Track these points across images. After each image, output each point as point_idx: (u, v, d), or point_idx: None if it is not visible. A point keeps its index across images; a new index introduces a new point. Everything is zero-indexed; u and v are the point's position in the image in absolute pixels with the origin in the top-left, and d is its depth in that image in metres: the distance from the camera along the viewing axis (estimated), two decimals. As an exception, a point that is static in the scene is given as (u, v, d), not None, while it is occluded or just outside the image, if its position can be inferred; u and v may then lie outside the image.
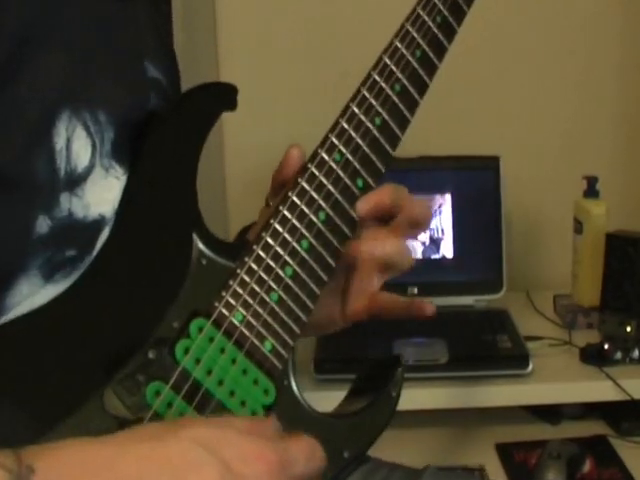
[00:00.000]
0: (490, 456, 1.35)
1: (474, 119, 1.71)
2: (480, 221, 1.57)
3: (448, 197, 1.55)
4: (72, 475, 0.50)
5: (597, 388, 1.33)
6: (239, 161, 1.71)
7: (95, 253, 0.64)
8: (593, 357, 1.36)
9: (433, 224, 1.55)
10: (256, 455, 0.54)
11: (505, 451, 1.36)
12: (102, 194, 0.64)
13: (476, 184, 1.57)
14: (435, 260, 1.55)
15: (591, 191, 1.54)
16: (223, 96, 0.72)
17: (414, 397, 1.30)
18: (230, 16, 1.68)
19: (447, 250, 1.55)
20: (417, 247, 1.53)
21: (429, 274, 1.55)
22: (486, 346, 1.39)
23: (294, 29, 1.68)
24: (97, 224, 0.64)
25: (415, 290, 1.53)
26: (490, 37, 1.62)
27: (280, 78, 1.69)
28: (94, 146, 0.63)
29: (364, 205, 0.73)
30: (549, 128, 1.72)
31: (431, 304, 0.77)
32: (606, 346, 1.36)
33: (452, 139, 1.68)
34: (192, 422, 0.55)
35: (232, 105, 0.72)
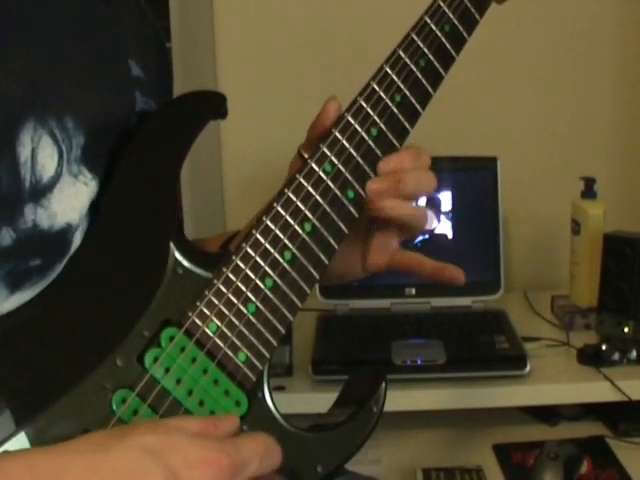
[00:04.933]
0: (488, 457, 1.35)
1: (472, 120, 1.71)
2: (478, 222, 1.57)
3: (446, 198, 1.55)
4: None
5: (595, 389, 1.33)
6: (237, 164, 1.71)
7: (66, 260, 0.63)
8: (591, 358, 1.36)
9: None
10: (204, 459, 0.53)
11: (503, 452, 1.36)
12: (69, 202, 0.63)
13: (474, 185, 1.57)
14: (433, 261, 1.55)
15: (589, 192, 1.54)
16: (211, 105, 0.70)
17: (411, 398, 1.31)
18: (228, 20, 1.68)
19: (445, 251, 1.55)
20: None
21: (427, 275, 1.55)
22: (484, 347, 1.39)
23: (292, 33, 1.68)
24: (64, 233, 0.63)
25: (413, 291, 1.54)
26: (488, 39, 1.61)
27: (278, 82, 1.69)
28: (61, 154, 0.62)
29: (385, 165, 0.72)
30: (547, 129, 1.73)
31: (462, 272, 0.78)
32: (604, 347, 1.36)
33: (450, 140, 1.68)
34: (139, 429, 0.54)
35: (220, 114, 0.70)
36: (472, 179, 1.58)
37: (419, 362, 1.33)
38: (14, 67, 0.60)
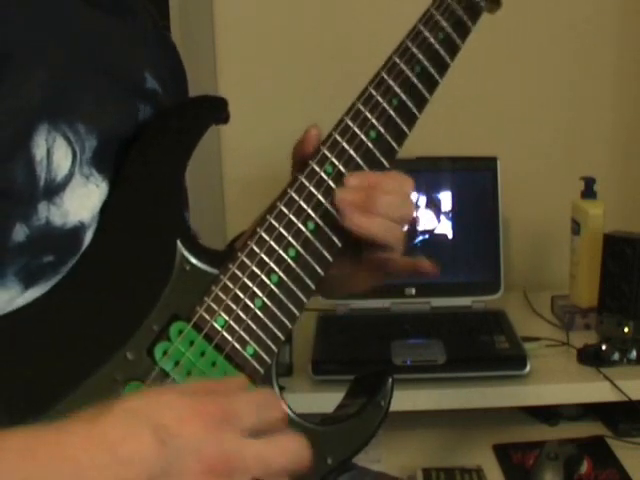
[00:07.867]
0: (488, 457, 1.35)
1: (472, 120, 1.71)
2: (478, 222, 1.57)
3: (446, 198, 1.55)
4: (14, 457, 0.50)
5: (595, 389, 1.33)
6: (237, 164, 1.71)
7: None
8: (591, 358, 1.36)
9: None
10: (194, 412, 0.53)
11: (503, 452, 1.36)
12: (81, 201, 0.65)
13: (474, 185, 1.57)
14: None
15: (588, 192, 1.54)
16: (213, 109, 0.73)
17: (411, 398, 1.31)
18: (228, 20, 1.68)
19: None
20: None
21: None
22: (483, 347, 1.39)
23: (292, 33, 1.68)
24: (76, 230, 0.65)
25: (413, 291, 1.54)
26: (488, 38, 1.62)
27: (278, 82, 1.69)
28: (74, 154, 0.64)
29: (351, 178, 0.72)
30: (547, 129, 1.73)
31: (435, 267, 0.80)
32: (604, 347, 1.36)
33: (450, 140, 1.68)
34: (128, 394, 0.55)
35: (222, 119, 0.73)
36: (472, 179, 1.58)
37: (419, 362, 1.33)
38: (33, 78, 0.62)
